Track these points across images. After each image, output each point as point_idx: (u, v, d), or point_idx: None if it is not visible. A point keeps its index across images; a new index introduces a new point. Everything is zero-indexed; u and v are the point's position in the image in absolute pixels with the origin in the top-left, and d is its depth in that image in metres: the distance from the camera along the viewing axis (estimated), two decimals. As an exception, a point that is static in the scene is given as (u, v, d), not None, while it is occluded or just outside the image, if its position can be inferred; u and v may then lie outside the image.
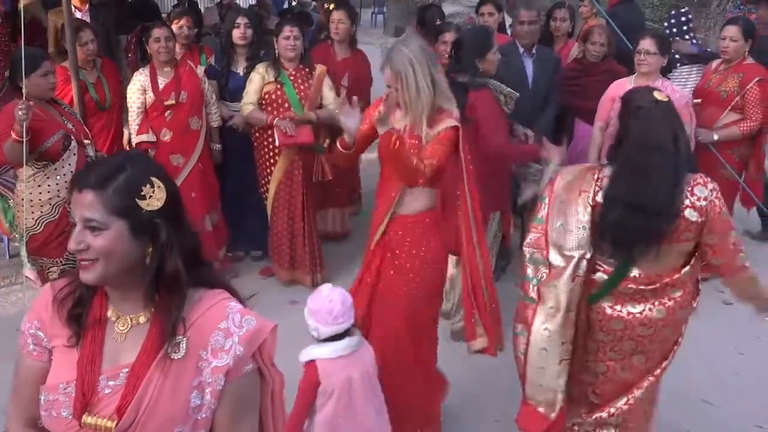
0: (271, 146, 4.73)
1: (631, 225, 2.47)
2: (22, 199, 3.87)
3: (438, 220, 3.15)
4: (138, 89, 4.63)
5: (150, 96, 4.62)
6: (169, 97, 4.60)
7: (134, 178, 1.47)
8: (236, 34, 4.89)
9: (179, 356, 1.49)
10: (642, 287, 2.57)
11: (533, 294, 2.65)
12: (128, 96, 4.70)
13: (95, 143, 4.32)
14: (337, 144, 3.08)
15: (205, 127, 4.77)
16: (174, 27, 4.96)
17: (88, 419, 1.48)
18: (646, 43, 4.30)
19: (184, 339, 1.50)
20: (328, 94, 4.70)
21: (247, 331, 1.52)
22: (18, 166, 3.81)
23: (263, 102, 4.67)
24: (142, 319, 1.53)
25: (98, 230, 1.45)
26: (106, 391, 1.49)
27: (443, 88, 3.01)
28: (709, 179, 2.56)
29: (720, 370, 4.00)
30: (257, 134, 4.83)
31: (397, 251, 3.12)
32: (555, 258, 2.59)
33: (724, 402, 3.75)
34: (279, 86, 4.64)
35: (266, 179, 4.83)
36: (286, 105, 4.64)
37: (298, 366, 4.01)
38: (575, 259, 2.53)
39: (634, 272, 2.56)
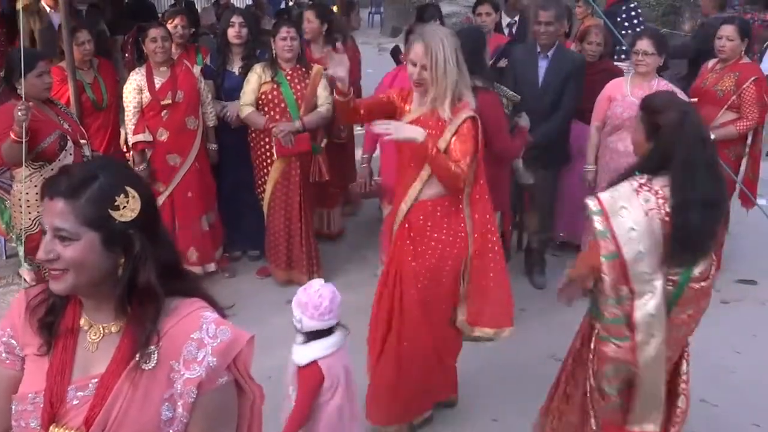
0: (267, 146, 4.73)
1: (709, 223, 2.48)
2: (19, 200, 3.86)
3: (456, 202, 3.16)
4: (134, 89, 4.62)
5: (146, 95, 4.61)
6: (166, 97, 4.60)
7: (108, 188, 1.41)
8: (231, 33, 4.89)
9: (150, 366, 1.43)
10: (701, 285, 2.58)
11: (627, 332, 2.57)
12: (124, 95, 4.69)
13: (92, 143, 4.33)
14: (334, 95, 3.11)
15: (201, 127, 4.77)
16: (169, 26, 4.95)
17: (55, 430, 1.44)
18: (644, 44, 4.30)
19: (156, 349, 1.44)
20: (322, 93, 4.71)
21: (221, 342, 1.46)
22: (15, 166, 3.81)
23: (260, 102, 4.67)
24: (114, 329, 1.48)
25: (69, 240, 1.39)
26: (75, 402, 1.45)
27: (466, 73, 3.05)
28: None
29: (717, 369, 4.01)
30: (253, 135, 4.83)
31: (418, 237, 3.15)
32: (641, 287, 2.52)
33: (721, 400, 3.75)
34: (276, 86, 4.64)
35: (263, 179, 4.83)
36: (283, 105, 4.64)
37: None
38: (661, 281, 2.50)
39: (696, 272, 2.56)
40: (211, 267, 4.95)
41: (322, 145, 4.89)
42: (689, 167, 2.47)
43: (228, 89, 4.94)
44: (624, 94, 4.45)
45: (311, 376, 2.67)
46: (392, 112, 3.16)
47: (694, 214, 2.43)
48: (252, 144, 4.87)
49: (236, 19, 4.89)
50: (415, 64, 2.98)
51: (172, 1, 11.82)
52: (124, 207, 1.41)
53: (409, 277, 3.17)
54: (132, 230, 1.43)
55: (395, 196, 3.27)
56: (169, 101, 4.60)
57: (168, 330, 1.45)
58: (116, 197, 1.41)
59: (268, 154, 4.75)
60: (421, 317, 3.19)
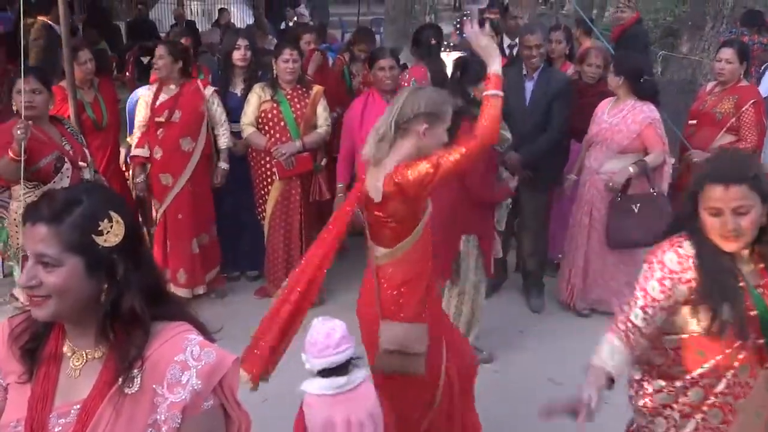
0: (267, 166, 4.73)
1: None
2: (14, 219, 3.85)
3: None
4: (144, 102, 4.70)
5: (148, 111, 4.65)
6: (161, 115, 4.60)
7: (91, 213, 1.39)
8: (237, 55, 4.91)
9: (133, 391, 1.40)
10: None
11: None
12: (137, 113, 4.76)
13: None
14: None
15: (200, 150, 4.69)
16: (158, 50, 4.95)
17: None
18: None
19: (139, 373, 1.40)
20: (321, 113, 4.72)
21: (206, 365, 1.41)
22: (10, 183, 3.80)
23: (260, 121, 4.68)
24: (97, 355, 1.45)
25: (51, 266, 1.37)
26: (57, 429, 1.41)
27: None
28: None
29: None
30: (254, 154, 4.83)
31: None
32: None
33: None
34: (275, 105, 4.65)
35: (263, 199, 4.82)
36: (282, 124, 4.65)
37: (291, 386, 3.98)
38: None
39: None
40: (200, 290, 4.88)
41: (323, 163, 4.89)
42: None
43: (229, 110, 4.93)
44: (602, 112, 4.54)
45: (300, 410, 2.59)
46: None
47: None
48: (252, 163, 4.87)
49: (242, 42, 4.91)
50: None
51: (174, 21, 11.96)
52: (108, 232, 1.39)
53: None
54: (116, 255, 1.40)
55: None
56: (163, 119, 4.60)
57: (151, 353, 1.42)
58: (100, 222, 1.39)
59: (268, 173, 4.75)
60: None
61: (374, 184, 2.70)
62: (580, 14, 6.64)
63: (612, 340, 2.19)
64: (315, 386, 2.54)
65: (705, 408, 2.21)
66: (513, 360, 4.24)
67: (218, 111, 4.77)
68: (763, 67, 7.67)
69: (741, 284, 2.08)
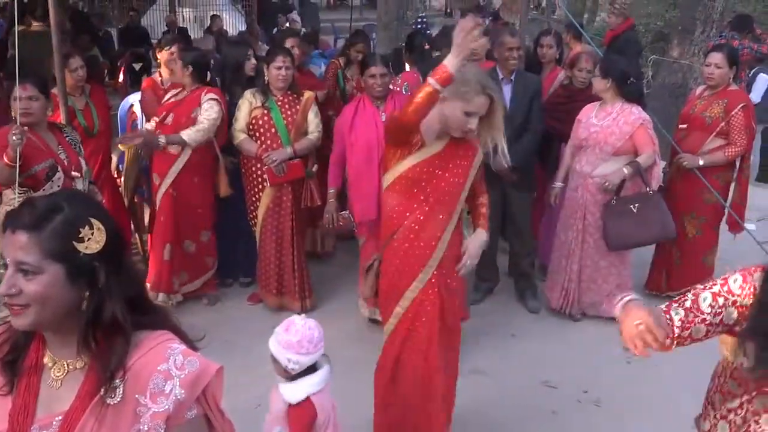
0: (258, 172, 4.72)
1: None
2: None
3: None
4: (156, 98, 4.88)
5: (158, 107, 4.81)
6: (160, 116, 4.66)
7: (72, 219, 1.38)
8: (250, 66, 5.00)
9: (115, 401, 1.38)
10: None
11: None
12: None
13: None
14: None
15: (186, 155, 4.64)
16: (165, 54, 4.97)
17: None
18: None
19: (121, 383, 1.39)
20: (312, 120, 4.73)
21: (189, 374, 1.40)
22: (4, 187, 3.80)
23: (251, 127, 4.68)
24: (78, 365, 1.43)
25: (32, 274, 1.35)
26: None
27: None
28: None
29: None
30: (245, 161, 4.82)
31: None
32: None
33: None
34: (266, 112, 4.65)
35: (254, 205, 4.81)
36: (273, 130, 4.64)
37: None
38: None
39: None
40: (162, 297, 4.76)
41: (314, 169, 4.89)
42: None
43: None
44: (589, 117, 4.57)
45: (305, 413, 2.61)
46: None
47: None
48: (243, 170, 4.86)
49: (250, 52, 5.04)
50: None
51: (165, 27, 11.96)
52: (89, 239, 1.38)
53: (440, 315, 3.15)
54: (97, 263, 1.39)
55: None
56: (158, 120, 4.66)
57: (134, 363, 1.40)
58: (81, 229, 1.38)
59: (259, 180, 4.74)
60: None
61: None
62: (570, 19, 6.67)
63: None
64: (316, 383, 2.63)
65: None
66: (506, 364, 4.24)
67: (204, 114, 4.61)
68: (752, 72, 7.75)
69: None
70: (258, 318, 4.84)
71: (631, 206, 4.43)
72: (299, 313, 4.59)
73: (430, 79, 2.73)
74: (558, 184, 4.79)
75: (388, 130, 2.98)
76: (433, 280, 3.05)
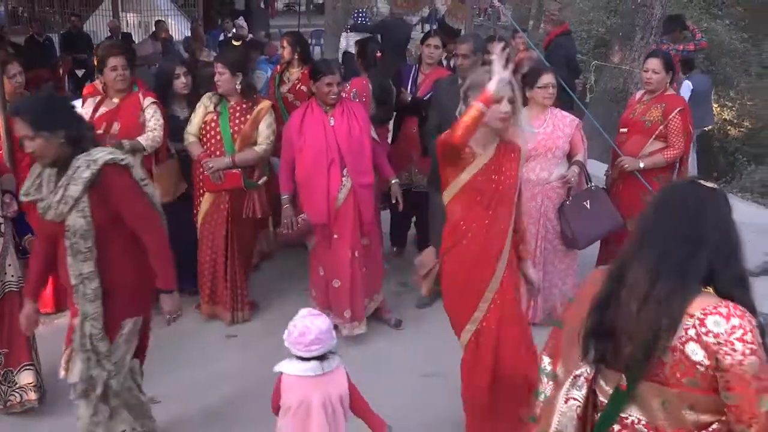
0: (201, 177, 4.70)
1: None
2: None
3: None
4: (84, 114, 4.57)
5: None
6: (100, 127, 4.52)
7: None
8: (178, 84, 4.93)
9: None
10: None
11: (537, 411, 2.19)
12: None
13: (19, 179, 4.15)
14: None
15: (138, 162, 4.63)
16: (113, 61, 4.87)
17: None
18: (550, 77, 4.55)
19: None
20: (263, 131, 4.62)
21: None
22: None
23: (202, 131, 4.64)
24: None
25: None
26: None
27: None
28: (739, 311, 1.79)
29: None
30: (194, 164, 4.77)
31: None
32: (560, 371, 2.11)
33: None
34: (215, 117, 4.61)
35: (197, 209, 4.80)
36: (219, 137, 4.60)
37: (236, 405, 3.95)
38: (572, 376, 2.02)
39: (633, 415, 1.92)
40: None
41: (260, 181, 4.76)
42: None
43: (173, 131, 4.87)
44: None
45: (276, 385, 2.78)
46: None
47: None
48: (192, 173, 4.83)
49: (180, 70, 4.93)
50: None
51: (109, 33, 11.73)
52: None
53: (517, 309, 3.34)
54: None
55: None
56: (102, 131, 4.50)
57: None
58: None
59: (201, 185, 4.72)
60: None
61: None
62: (516, 26, 6.80)
63: None
64: (295, 368, 2.72)
65: None
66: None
67: (152, 120, 4.62)
68: (684, 78, 7.98)
69: None
70: (210, 328, 4.80)
71: (584, 203, 4.60)
72: (230, 325, 4.62)
73: (476, 103, 2.93)
74: None
75: (441, 153, 3.16)
76: (506, 279, 3.26)
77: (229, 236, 4.71)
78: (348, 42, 10.95)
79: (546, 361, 2.20)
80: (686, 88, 7.75)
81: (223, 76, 4.55)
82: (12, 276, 3.71)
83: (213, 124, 4.61)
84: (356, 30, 10.95)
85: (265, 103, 4.68)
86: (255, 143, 4.64)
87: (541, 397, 2.18)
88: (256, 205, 4.70)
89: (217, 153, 4.59)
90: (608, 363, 1.94)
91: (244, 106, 4.63)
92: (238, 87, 4.59)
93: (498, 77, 2.92)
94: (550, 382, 2.15)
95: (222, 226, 4.68)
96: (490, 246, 3.21)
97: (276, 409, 2.81)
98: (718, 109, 12.74)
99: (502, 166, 3.18)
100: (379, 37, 7.36)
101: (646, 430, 1.90)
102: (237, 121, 4.61)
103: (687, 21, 8.70)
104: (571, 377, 2.02)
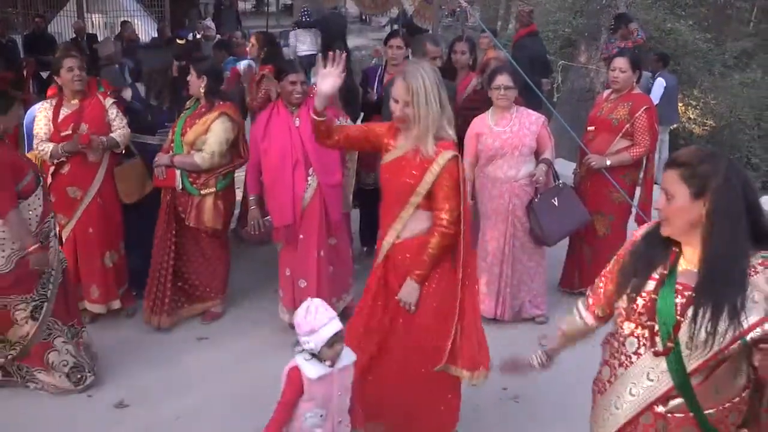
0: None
1: None
2: None
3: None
4: (44, 117, 4.53)
5: (50, 127, 4.49)
6: (67, 129, 4.46)
7: None
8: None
9: None
10: None
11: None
12: (35, 125, 4.55)
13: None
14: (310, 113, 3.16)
15: (107, 161, 4.59)
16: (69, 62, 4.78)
17: None
18: (504, 79, 4.56)
19: None
20: (209, 140, 4.47)
21: None
22: None
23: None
24: None
25: None
26: None
27: (449, 113, 3.08)
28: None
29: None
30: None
31: (402, 275, 3.19)
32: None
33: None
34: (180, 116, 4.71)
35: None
36: (172, 136, 4.68)
37: (210, 403, 3.92)
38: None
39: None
40: (116, 304, 4.73)
41: (204, 192, 4.53)
42: None
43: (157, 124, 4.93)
44: (490, 127, 4.66)
45: (288, 380, 2.76)
46: (377, 146, 3.19)
47: None
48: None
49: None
50: (397, 101, 3.01)
51: (74, 34, 11.54)
52: None
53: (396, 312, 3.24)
54: None
55: (379, 235, 3.27)
56: (69, 133, 4.45)
57: None
58: None
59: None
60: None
61: None
62: (483, 27, 6.83)
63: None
64: (314, 371, 2.71)
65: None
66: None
67: (117, 119, 4.62)
68: (655, 77, 8.11)
69: (658, 271, 2.09)
70: (178, 329, 4.75)
71: (553, 200, 4.64)
72: (155, 328, 4.57)
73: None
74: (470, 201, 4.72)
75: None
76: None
77: (164, 237, 4.64)
78: (297, 38, 11.07)
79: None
80: (659, 85, 7.85)
81: (191, 78, 4.55)
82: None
83: (177, 122, 4.66)
84: (301, 26, 11.18)
85: (217, 112, 4.52)
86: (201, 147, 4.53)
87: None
88: (192, 213, 4.57)
89: (171, 150, 4.64)
90: None
91: (203, 109, 4.59)
92: (202, 90, 4.54)
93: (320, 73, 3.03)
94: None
95: (161, 226, 4.65)
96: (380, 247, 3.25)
97: (289, 403, 2.77)
98: (683, 108, 12.95)
99: (403, 169, 3.07)
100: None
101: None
102: (191, 123, 4.58)
103: (631, 18, 8.79)
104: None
